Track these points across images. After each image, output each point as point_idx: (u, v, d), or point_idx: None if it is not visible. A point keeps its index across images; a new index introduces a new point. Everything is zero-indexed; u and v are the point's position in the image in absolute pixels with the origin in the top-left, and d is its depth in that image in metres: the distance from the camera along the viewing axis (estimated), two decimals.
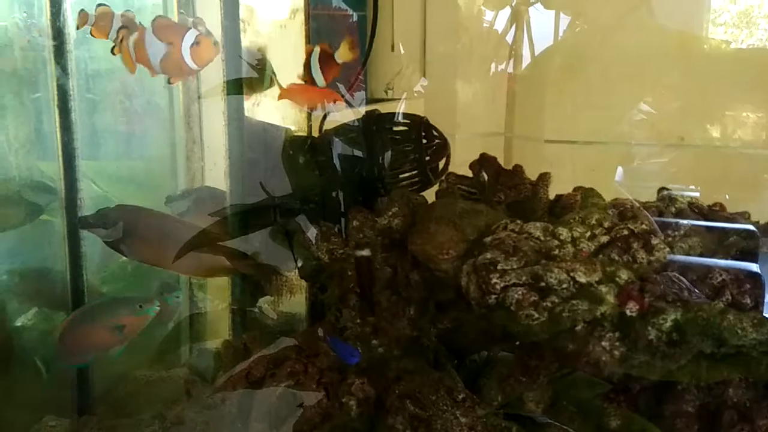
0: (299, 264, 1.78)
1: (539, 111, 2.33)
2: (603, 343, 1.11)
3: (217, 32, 1.68)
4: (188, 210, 1.75)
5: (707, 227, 1.38)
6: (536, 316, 1.14)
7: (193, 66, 1.21)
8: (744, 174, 2.13)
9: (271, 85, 1.57)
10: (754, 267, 1.22)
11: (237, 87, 1.76)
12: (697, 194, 1.59)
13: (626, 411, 1.29)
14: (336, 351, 1.48)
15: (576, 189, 1.61)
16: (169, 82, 1.29)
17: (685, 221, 1.38)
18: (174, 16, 1.73)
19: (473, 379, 1.47)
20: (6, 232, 1.67)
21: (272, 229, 1.83)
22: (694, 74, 2.15)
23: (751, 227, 1.47)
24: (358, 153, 1.77)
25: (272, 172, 1.78)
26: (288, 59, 1.72)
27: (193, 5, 1.75)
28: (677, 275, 1.21)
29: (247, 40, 1.68)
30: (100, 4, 1.20)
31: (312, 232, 1.75)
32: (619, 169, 2.25)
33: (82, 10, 1.20)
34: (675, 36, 2.12)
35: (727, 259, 1.26)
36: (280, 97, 1.57)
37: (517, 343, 1.37)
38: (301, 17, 1.73)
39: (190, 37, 1.19)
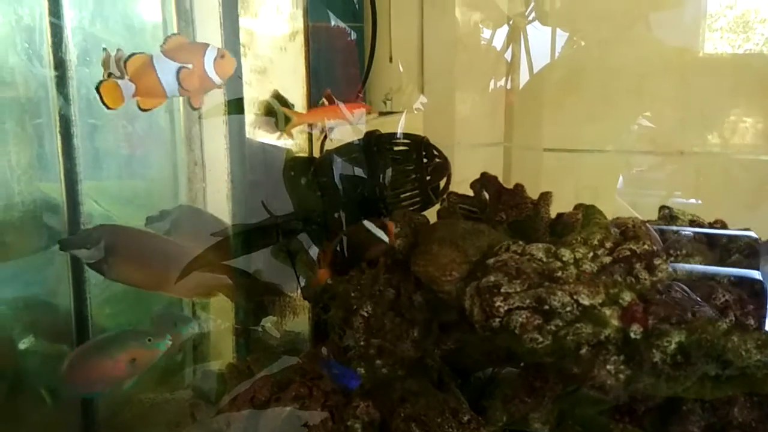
0: (302, 284, 1.79)
1: (538, 123, 2.34)
2: (608, 367, 1.11)
3: None
4: (169, 230, 1.74)
5: (709, 245, 1.39)
6: (540, 339, 1.14)
7: (218, 80, 1.21)
8: (744, 181, 2.14)
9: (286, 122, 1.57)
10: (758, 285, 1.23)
11: (238, 107, 1.77)
12: (699, 203, 1.59)
13: (632, 428, 1.29)
14: (333, 376, 1.48)
15: (577, 207, 1.61)
16: (193, 107, 1.28)
17: (687, 237, 1.38)
18: None
19: (477, 399, 1.47)
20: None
21: (274, 249, 1.84)
22: (692, 87, 2.17)
23: (752, 241, 1.48)
24: (359, 172, 1.78)
25: (274, 193, 1.79)
26: (288, 81, 1.73)
27: (194, 27, 1.76)
28: (680, 285, 1.21)
29: (248, 64, 1.69)
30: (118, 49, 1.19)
31: (314, 252, 1.76)
32: (620, 179, 2.26)
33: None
34: (672, 50, 2.14)
35: (728, 278, 1.26)
36: (297, 123, 1.57)
37: (522, 364, 1.38)
38: (300, 39, 1.74)
39: (212, 53, 1.20)
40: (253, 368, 1.56)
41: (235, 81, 1.72)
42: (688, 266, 1.27)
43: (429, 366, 1.53)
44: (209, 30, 1.63)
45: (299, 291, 1.83)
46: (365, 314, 1.46)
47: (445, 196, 1.70)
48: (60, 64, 1.35)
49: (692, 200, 2.13)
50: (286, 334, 1.88)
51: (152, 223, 1.68)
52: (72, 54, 1.44)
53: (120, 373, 1.45)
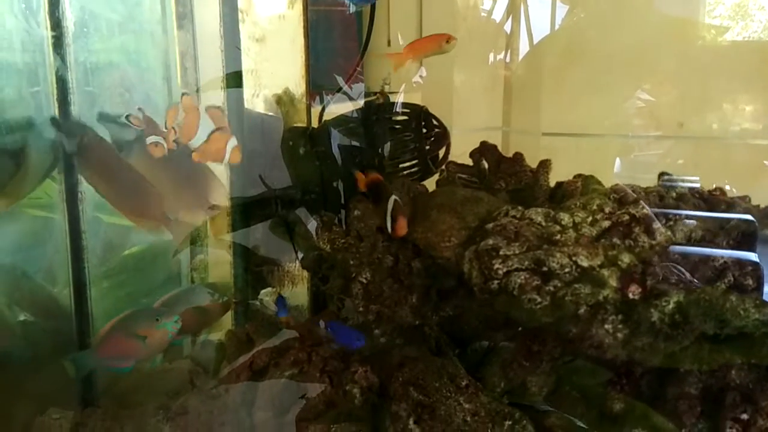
0: (300, 255, 1.78)
1: (536, 104, 2.33)
2: (606, 326, 1.11)
3: (215, 24, 1.69)
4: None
5: (708, 211, 1.39)
6: (539, 300, 1.15)
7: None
8: (742, 162, 2.14)
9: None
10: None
11: (237, 80, 1.76)
12: (696, 179, 1.59)
13: (628, 398, 1.29)
14: (337, 337, 1.47)
15: (576, 176, 1.61)
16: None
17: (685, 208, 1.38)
18: (173, 13, 1.73)
19: (475, 369, 1.47)
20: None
21: (272, 223, 1.84)
22: (693, 63, 2.16)
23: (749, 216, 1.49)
24: (356, 144, 1.78)
25: (271, 163, 1.79)
26: (286, 50, 1.72)
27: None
28: (677, 266, 1.21)
29: (245, 31, 1.68)
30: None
31: (312, 223, 1.76)
32: (618, 161, 2.25)
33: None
34: (674, 24, 2.12)
35: (728, 241, 1.27)
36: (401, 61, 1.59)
37: (520, 329, 1.38)
38: (299, 8, 1.73)
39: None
40: (253, 336, 1.57)
41: (233, 52, 1.72)
42: (686, 230, 1.27)
43: (427, 334, 1.53)
44: None
45: (298, 262, 1.83)
46: (364, 281, 1.46)
47: (444, 165, 1.70)
48: (57, 25, 1.34)
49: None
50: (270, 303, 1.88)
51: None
52: (69, 21, 1.43)
53: (138, 351, 1.46)
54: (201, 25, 1.75)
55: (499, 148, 1.90)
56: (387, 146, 1.76)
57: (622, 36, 2.15)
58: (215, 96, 1.82)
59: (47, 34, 1.34)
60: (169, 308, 1.63)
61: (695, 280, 1.19)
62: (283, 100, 1.80)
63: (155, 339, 1.50)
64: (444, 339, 1.54)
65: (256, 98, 1.72)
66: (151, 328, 1.49)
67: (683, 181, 1.47)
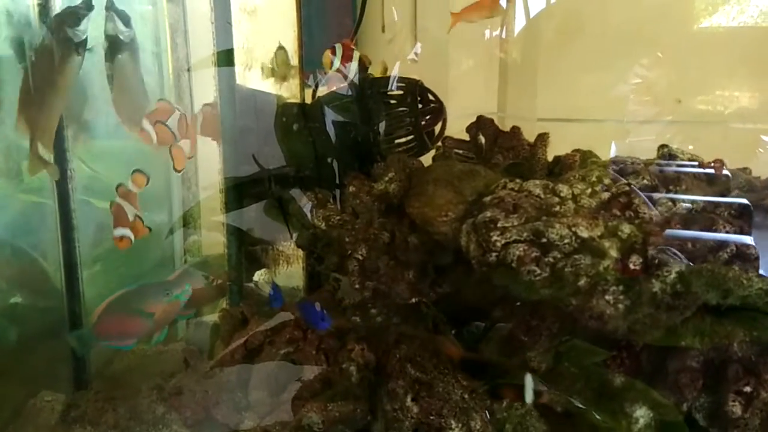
0: (295, 234, 1.76)
1: (532, 92, 2.29)
2: (607, 297, 1.09)
3: None
4: None
5: (708, 182, 1.37)
6: (538, 272, 1.12)
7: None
8: (740, 144, 2.11)
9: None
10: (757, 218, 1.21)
11: (228, 59, 1.72)
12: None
13: (627, 377, 1.27)
14: (305, 317, 1.44)
15: (574, 151, 1.59)
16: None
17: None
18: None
19: (472, 349, 1.45)
20: None
21: (266, 205, 1.81)
22: (692, 37, 2.12)
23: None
24: (351, 118, 1.74)
25: (264, 140, 1.75)
26: (278, 24, 1.68)
27: None
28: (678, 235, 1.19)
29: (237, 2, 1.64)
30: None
31: (305, 201, 1.73)
32: (613, 145, 2.22)
33: None
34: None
35: (729, 212, 1.24)
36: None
37: (518, 303, 1.35)
38: None
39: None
40: (247, 314, 1.54)
41: (225, 28, 1.68)
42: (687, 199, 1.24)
43: (424, 313, 1.51)
44: None
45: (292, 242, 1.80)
46: (359, 257, 1.43)
47: (440, 141, 1.67)
48: None
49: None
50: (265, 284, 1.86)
51: None
52: None
53: (143, 328, 1.44)
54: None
55: None
56: (382, 122, 1.73)
57: (620, 11, 2.12)
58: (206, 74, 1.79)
59: (33, 2, 1.30)
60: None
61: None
62: (276, 60, 1.74)
63: (164, 313, 1.48)
64: (441, 318, 1.52)
65: (248, 72, 1.68)
66: (158, 303, 1.48)
67: (683, 152, 1.44)
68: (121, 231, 1.39)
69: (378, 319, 1.52)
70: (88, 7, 1.28)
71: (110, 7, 1.39)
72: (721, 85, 2.14)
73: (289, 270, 1.82)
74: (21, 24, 1.33)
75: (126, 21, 1.41)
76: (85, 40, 1.31)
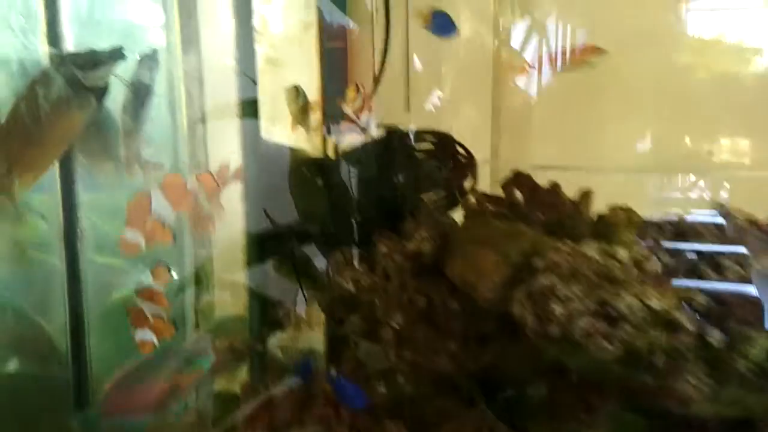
0: (314, 296, 1.65)
1: (526, 136, 2.22)
2: (688, 377, 0.98)
3: (223, 45, 1.58)
4: None
5: None
6: (611, 348, 1.01)
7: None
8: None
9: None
10: None
11: (253, 109, 1.63)
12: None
13: None
14: (340, 395, 1.33)
15: (612, 209, 1.50)
16: None
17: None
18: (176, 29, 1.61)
19: (508, 419, 1.34)
20: None
21: (276, 262, 1.70)
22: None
23: None
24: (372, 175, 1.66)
25: (275, 195, 1.66)
26: (301, 76, 1.61)
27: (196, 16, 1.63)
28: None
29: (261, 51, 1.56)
30: None
31: (320, 260, 1.63)
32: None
33: None
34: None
35: None
36: None
37: (573, 377, 1.24)
38: (314, 32, 1.62)
39: None
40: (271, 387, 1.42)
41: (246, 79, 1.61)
42: (759, 265, 1.15)
43: (458, 383, 1.40)
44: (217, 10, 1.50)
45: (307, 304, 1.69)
46: (396, 326, 1.32)
47: (470, 194, 1.58)
48: (55, 44, 1.22)
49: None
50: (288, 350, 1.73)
51: None
52: (67, 42, 1.31)
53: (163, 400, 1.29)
54: (208, 48, 1.63)
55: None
56: (407, 176, 1.64)
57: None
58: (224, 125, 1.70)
59: (46, 50, 1.21)
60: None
61: None
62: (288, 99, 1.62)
63: (185, 383, 1.34)
64: (476, 390, 1.41)
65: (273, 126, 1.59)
66: (179, 372, 1.34)
67: (736, 213, 1.36)
68: (141, 334, 1.21)
69: (407, 389, 1.41)
70: (115, 56, 1.17)
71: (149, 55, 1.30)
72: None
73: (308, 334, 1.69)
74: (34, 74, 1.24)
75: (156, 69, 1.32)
76: (106, 87, 1.21)
